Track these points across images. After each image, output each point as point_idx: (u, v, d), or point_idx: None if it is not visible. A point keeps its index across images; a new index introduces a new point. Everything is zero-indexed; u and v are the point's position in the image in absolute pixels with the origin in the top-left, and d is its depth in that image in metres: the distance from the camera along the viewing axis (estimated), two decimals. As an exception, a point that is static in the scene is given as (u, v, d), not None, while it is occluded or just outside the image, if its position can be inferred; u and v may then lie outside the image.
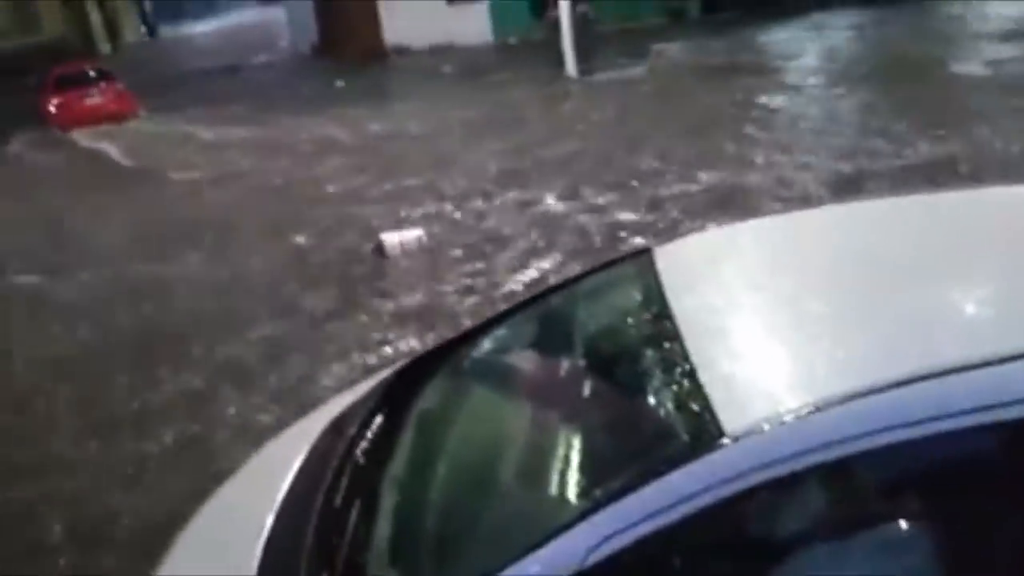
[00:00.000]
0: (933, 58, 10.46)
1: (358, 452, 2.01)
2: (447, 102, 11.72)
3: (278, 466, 2.21)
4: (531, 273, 5.46)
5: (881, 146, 7.09)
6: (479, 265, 5.70)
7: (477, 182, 7.70)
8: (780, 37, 13.48)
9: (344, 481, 1.93)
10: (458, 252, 6.01)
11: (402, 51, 16.19)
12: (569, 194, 6.94)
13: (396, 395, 2.21)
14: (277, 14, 24.16)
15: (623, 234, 5.92)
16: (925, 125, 7.32)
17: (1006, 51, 10.18)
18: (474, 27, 15.96)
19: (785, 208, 5.60)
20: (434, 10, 16.09)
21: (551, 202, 6.85)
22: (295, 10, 20.38)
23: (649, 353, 1.75)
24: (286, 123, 11.95)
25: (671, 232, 5.44)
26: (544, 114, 10.32)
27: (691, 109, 9.42)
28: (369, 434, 2.06)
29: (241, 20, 34.72)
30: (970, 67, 9.93)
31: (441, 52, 15.20)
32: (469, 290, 5.32)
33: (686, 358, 1.60)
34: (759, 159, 7.23)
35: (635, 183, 6.99)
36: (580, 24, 12.36)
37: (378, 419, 2.10)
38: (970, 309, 1.68)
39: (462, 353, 2.32)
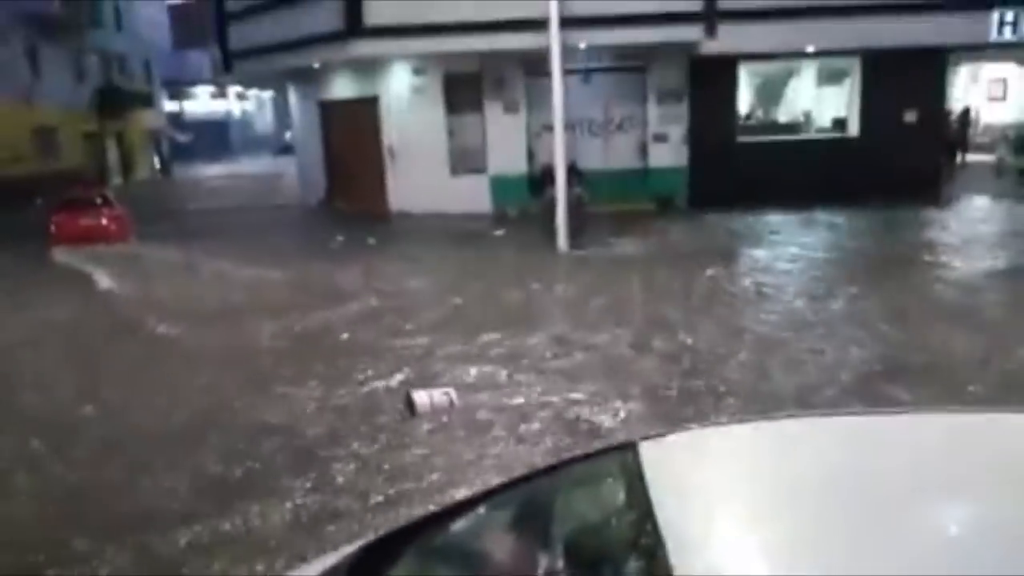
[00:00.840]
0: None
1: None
2: (444, 264, 12.28)
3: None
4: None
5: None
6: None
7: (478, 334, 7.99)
8: (753, 228, 14.26)
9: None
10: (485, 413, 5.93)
11: (405, 215, 16.92)
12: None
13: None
14: (289, 166, 25.46)
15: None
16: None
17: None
18: (475, 198, 16.74)
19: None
20: (439, 181, 16.95)
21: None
22: (306, 164, 21.45)
23: (628, 559, 1.69)
24: (279, 263, 12.56)
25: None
26: (535, 280, 10.75)
27: (663, 284, 10.30)
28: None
29: (254, 168, 36.54)
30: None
31: (439, 217, 15.89)
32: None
33: (667, 565, 1.53)
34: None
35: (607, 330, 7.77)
36: (573, 204, 13.04)
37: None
38: (965, 535, 1.64)
39: (427, 536, 2.24)
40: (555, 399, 6.14)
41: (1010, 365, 6.63)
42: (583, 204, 13.59)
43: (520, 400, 6.17)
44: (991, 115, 24.47)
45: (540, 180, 15.01)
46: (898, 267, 10.82)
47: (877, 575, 1.46)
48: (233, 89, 54.15)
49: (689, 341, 7.62)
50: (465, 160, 17.30)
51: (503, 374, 6.81)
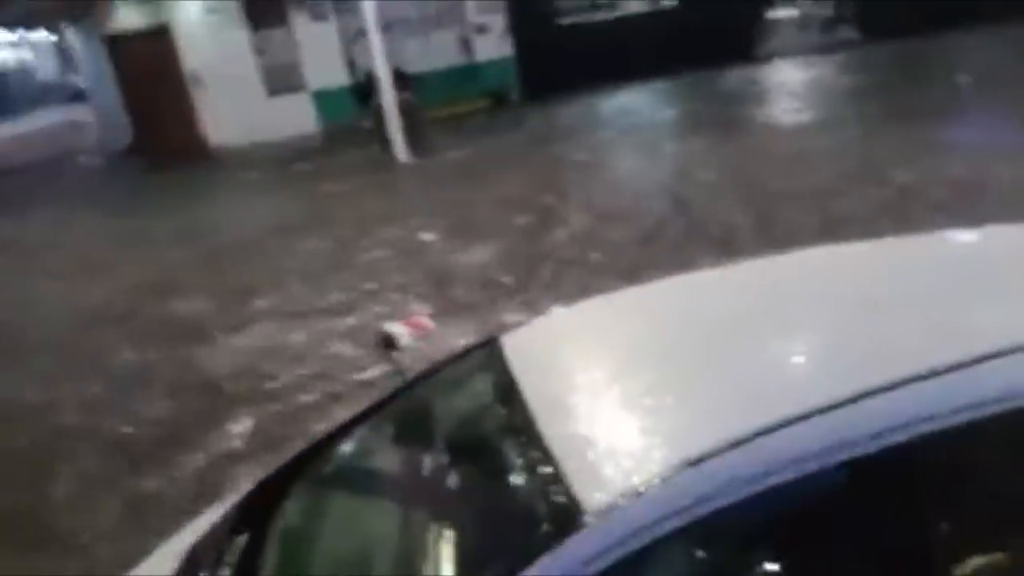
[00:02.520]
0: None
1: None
2: (277, 197, 11.58)
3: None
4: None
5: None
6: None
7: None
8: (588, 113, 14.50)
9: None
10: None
11: (224, 148, 15.74)
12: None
13: (254, 515, 2.12)
14: (87, 114, 22.91)
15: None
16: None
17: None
18: (299, 119, 15.89)
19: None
20: (255, 104, 15.88)
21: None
22: (105, 109, 19.31)
23: (506, 442, 1.80)
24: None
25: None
26: (386, 194, 10.51)
27: (513, 177, 10.30)
28: (229, 560, 1.96)
29: (44, 122, 32.32)
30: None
31: (266, 146, 14.97)
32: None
33: (542, 442, 1.65)
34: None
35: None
36: (405, 111, 12.66)
37: (238, 543, 2.01)
38: (801, 360, 1.85)
39: (317, 464, 2.27)
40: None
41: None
42: (415, 109, 13.21)
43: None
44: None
45: (365, 89, 14.44)
46: (726, 124, 11.39)
47: (726, 410, 1.63)
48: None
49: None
50: (281, 79, 16.28)
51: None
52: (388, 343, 5.51)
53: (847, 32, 17.91)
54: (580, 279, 6.23)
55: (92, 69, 19.27)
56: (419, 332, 5.32)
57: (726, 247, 6.31)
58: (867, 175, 7.74)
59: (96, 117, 20.20)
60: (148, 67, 16.77)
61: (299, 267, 7.78)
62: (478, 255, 7.38)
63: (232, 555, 1.97)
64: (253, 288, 7.32)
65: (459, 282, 6.76)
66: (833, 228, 6.10)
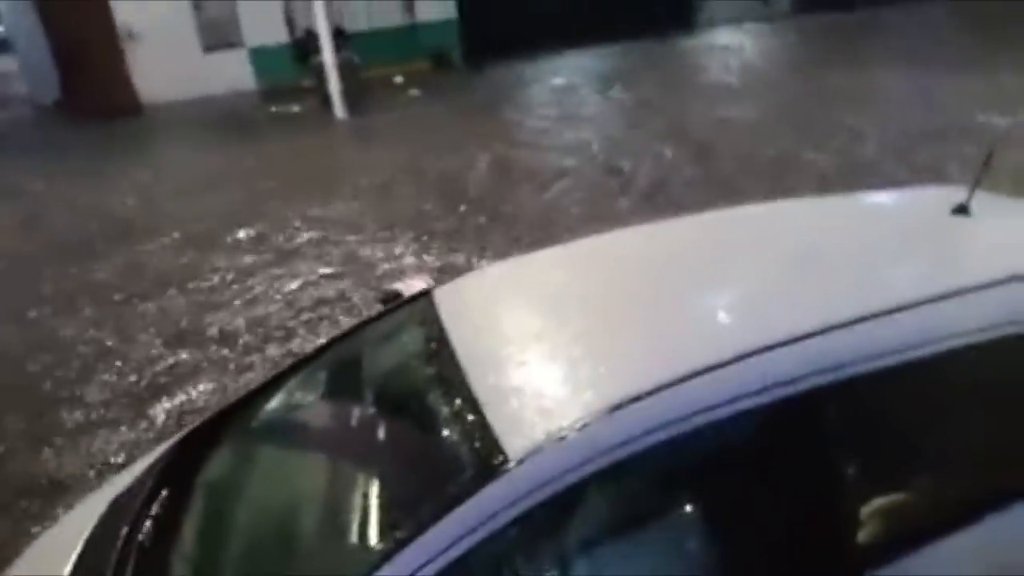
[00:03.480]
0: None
1: (142, 533, 1.89)
2: (212, 155, 11.20)
3: (52, 564, 2.01)
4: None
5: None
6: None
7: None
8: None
9: (129, 570, 1.80)
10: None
11: (156, 104, 15.14)
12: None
13: (179, 468, 2.10)
14: (9, 65, 21.64)
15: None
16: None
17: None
18: (235, 76, 15.40)
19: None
20: (190, 59, 15.32)
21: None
22: (30, 60, 18.33)
23: (435, 392, 1.81)
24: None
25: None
26: (324, 154, 10.31)
27: (449, 137, 10.30)
28: (153, 513, 1.94)
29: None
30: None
31: (201, 104, 14.48)
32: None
33: (469, 392, 1.69)
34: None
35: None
36: (345, 70, 12.41)
37: (161, 496, 1.99)
38: (716, 314, 1.91)
39: (247, 416, 2.25)
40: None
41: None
42: (356, 68, 12.96)
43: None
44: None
45: (304, 47, 14.07)
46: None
47: (646, 360, 1.69)
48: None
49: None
50: (217, 35, 15.71)
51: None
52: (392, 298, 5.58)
53: (782, 4, 18.36)
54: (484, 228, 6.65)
55: (16, 17, 18.28)
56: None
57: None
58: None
59: (21, 69, 19.16)
60: (78, 18, 15.96)
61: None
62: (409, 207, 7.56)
63: (155, 508, 1.95)
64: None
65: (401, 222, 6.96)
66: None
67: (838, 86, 10.38)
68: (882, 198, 2.58)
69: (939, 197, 2.29)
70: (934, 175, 6.06)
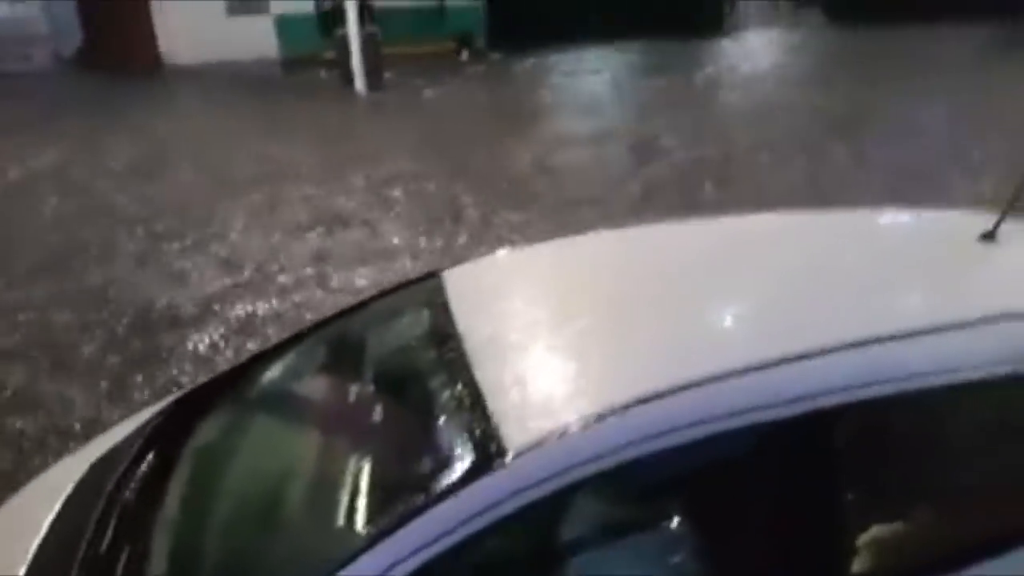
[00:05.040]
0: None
1: (125, 496, 1.85)
2: (229, 121, 11.17)
3: (27, 520, 1.97)
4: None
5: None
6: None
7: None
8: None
9: (109, 530, 1.77)
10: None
11: (177, 65, 15.07)
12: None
13: (168, 431, 2.06)
14: (33, 11, 21.51)
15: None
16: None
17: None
18: (259, 42, 15.31)
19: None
20: (214, 22, 15.24)
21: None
22: (55, 10, 18.17)
23: (437, 377, 1.76)
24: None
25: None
26: (343, 126, 10.28)
27: (466, 125, 10.21)
28: (138, 475, 1.90)
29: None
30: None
31: (222, 67, 14.40)
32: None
33: (472, 380, 1.64)
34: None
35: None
36: (368, 44, 12.34)
37: (148, 459, 1.95)
38: (728, 322, 1.86)
39: (245, 383, 2.21)
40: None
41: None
42: (378, 44, 12.88)
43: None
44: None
45: (331, 18, 13.99)
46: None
47: (657, 362, 1.64)
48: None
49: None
50: (243, -1, 15.68)
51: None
52: None
53: (814, 16, 18.21)
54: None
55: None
56: None
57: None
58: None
59: (44, 17, 19.09)
60: (105, -31, 15.89)
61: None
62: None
63: (140, 471, 1.91)
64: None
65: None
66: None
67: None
68: (912, 217, 2.52)
69: (967, 221, 2.23)
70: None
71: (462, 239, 6.15)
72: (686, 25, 16.11)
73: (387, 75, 12.73)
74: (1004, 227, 2.07)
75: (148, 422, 2.18)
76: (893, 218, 2.64)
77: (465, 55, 15.75)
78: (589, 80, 13.17)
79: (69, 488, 2.02)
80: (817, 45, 16.06)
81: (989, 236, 2.07)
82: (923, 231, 2.39)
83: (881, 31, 15.52)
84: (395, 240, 6.21)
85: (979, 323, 1.66)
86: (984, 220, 2.12)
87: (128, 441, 2.11)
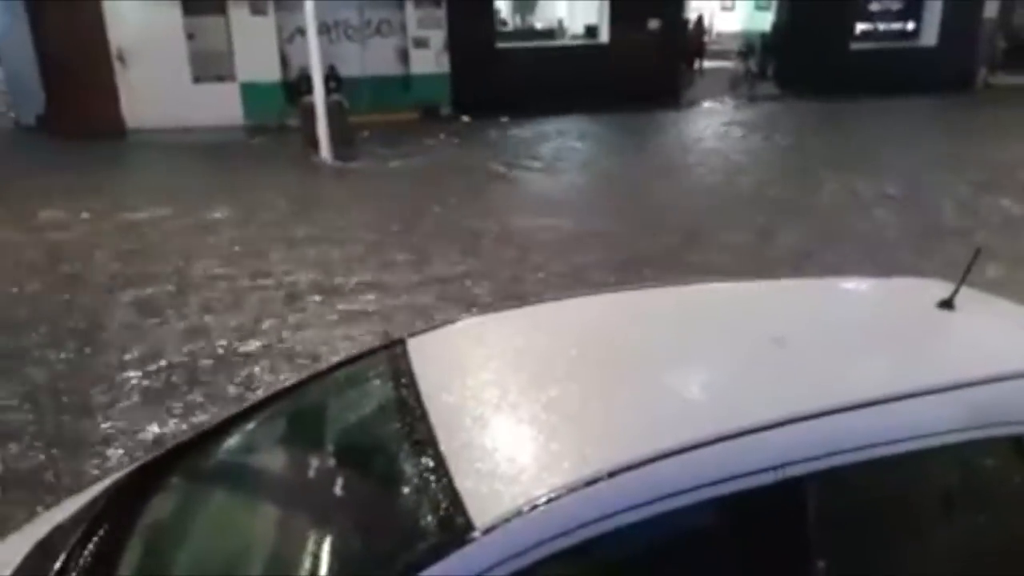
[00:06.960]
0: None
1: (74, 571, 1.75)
2: (193, 185, 11.11)
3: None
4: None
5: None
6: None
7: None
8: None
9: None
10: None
11: (141, 130, 15.01)
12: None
13: (118, 508, 1.96)
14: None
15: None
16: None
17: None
18: (224, 109, 15.38)
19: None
20: (179, 88, 15.30)
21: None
22: (16, 73, 18.05)
23: (401, 448, 1.72)
24: None
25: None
26: (308, 193, 10.33)
27: (435, 189, 10.39)
28: (85, 556, 1.80)
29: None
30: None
31: (186, 133, 14.37)
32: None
33: (437, 452, 1.60)
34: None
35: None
36: (334, 112, 12.46)
37: (97, 537, 1.85)
38: (694, 392, 1.85)
39: (196, 457, 2.13)
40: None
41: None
42: (344, 112, 13.02)
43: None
44: (722, 23, 26.70)
45: (296, 87, 14.13)
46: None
47: (622, 435, 1.63)
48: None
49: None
50: (209, 66, 15.75)
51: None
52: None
53: (768, 88, 18.95)
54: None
55: (6, 27, 18.16)
56: None
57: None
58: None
59: (5, 80, 18.93)
60: (70, 34, 15.88)
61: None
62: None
63: (89, 548, 1.81)
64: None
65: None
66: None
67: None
68: (871, 285, 2.57)
69: (924, 289, 2.28)
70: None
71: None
72: (640, 97, 16.68)
73: (352, 143, 12.81)
74: (961, 294, 2.12)
75: (99, 496, 2.08)
76: (854, 286, 2.70)
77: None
78: (540, 141, 13.71)
79: (11, 567, 1.90)
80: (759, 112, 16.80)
81: (947, 304, 2.11)
82: (883, 299, 2.43)
83: (829, 103, 16.57)
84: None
85: (940, 390, 1.68)
86: (941, 288, 2.17)
87: (79, 515, 2.00)
